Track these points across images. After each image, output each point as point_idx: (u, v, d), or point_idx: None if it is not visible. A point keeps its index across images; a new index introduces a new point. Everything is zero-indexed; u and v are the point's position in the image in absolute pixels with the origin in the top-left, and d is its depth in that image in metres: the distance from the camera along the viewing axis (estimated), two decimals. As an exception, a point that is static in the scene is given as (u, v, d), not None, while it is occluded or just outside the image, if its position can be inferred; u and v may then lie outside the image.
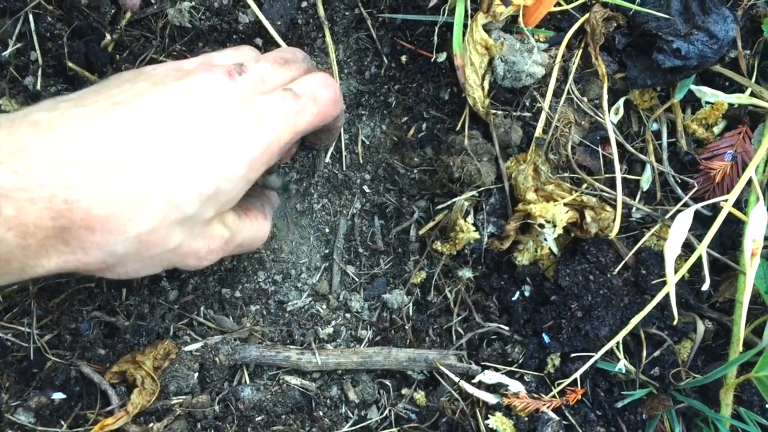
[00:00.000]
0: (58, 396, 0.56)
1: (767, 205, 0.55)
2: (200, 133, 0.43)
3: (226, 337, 0.61)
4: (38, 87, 0.64)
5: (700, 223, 0.63)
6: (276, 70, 0.51)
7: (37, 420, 0.55)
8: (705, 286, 0.56)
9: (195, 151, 0.42)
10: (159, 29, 0.66)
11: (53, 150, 0.37)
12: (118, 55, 0.65)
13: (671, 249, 0.54)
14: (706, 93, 0.66)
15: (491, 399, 0.59)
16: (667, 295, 0.54)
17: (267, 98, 0.48)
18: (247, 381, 0.61)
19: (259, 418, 0.60)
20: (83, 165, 0.38)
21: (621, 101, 0.66)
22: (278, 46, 0.66)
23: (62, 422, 0.55)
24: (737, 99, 0.65)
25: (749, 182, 0.59)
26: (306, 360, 0.61)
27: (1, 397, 0.54)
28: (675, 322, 0.53)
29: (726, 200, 0.55)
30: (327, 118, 0.52)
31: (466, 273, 0.64)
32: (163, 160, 0.41)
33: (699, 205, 0.57)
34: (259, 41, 0.68)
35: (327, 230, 0.69)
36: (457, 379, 0.59)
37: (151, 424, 0.56)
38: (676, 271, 0.54)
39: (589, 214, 0.60)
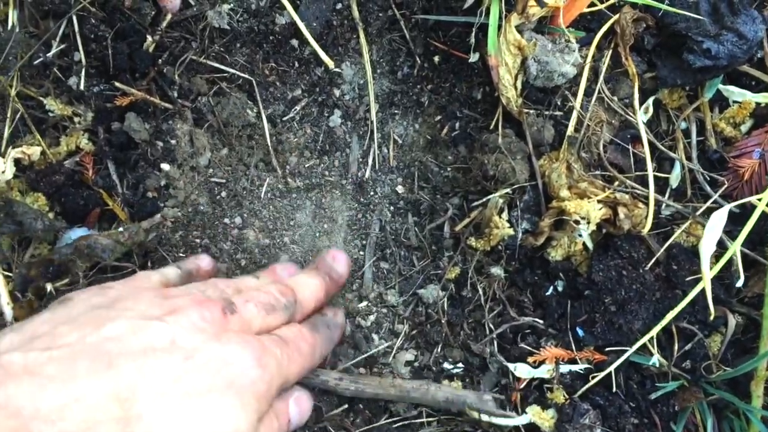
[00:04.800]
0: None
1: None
2: (205, 381, 0.43)
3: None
4: (81, 87, 0.66)
5: (729, 219, 0.64)
6: (263, 318, 0.51)
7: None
8: (739, 282, 0.58)
9: (204, 404, 0.42)
10: (198, 31, 0.67)
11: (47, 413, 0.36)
12: (159, 59, 0.66)
13: (707, 246, 0.55)
14: (734, 92, 0.67)
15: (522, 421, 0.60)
16: (699, 290, 0.56)
17: (260, 339, 0.48)
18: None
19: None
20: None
21: (650, 100, 0.68)
22: (312, 48, 0.67)
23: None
24: (764, 98, 0.67)
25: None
26: (344, 387, 0.60)
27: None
28: (711, 318, 0.54)
29: (760, 199, 0.56)
30: (310, 367, 0.54)
31: (500, 269, 0.65)
32: (173, 415, 0.40)
33: (732, 204, 0.58)
34: (294, 42, 0.70)
35: (361, 227, 0.70)
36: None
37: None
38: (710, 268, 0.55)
39: (622, 211, 0.62)
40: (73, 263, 0.60)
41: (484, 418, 0.59)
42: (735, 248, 0.55)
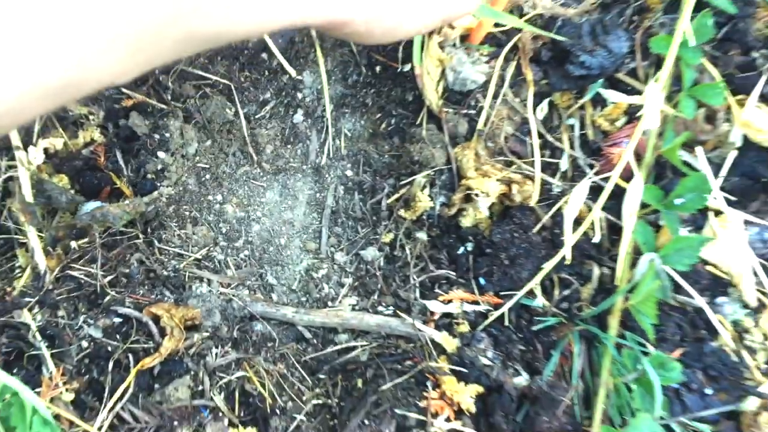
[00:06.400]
0: (117, 320, 0.75)
1: (644, 180, 0.75)
2: None
3: (238, 293, 0.80)
4: (95, 92, 0.84)
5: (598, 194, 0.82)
6: None
7: (104, 335, 0.75)
8: (596, 239, 0.76)
9: None
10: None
11: None
12: (156, 69, 0.84)
13: (570, 210, 0.73)
14: (610, 95, 0.85)
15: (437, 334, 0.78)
16: (574, 248, 0.74)
17: None
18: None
19: (270, 344, 0.79)
20: None
21: (546, 101, 0.86)
22: (279, 60, 0.85)
23: (119, 337, 0.75)
24: (634, 100, 0.85)
25: (639, 161, 0.79)
26: (299, 318, 0.79)
27: (79, 318, 0.74)
28: (567, 262, 0.72)
29: (610, 175, 0.74)
30: None
31: (424, 234, 0.83)
32: None
33: (596, 177, 0.76)
34: (264, 55, 0.88)
35: (318, 202, 0.88)
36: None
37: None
38: (579, 227, 0.73)
39: (515, 187, 0.79)
40: (91, 227, 0.78)
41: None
42: (595, 210, 0.73)
